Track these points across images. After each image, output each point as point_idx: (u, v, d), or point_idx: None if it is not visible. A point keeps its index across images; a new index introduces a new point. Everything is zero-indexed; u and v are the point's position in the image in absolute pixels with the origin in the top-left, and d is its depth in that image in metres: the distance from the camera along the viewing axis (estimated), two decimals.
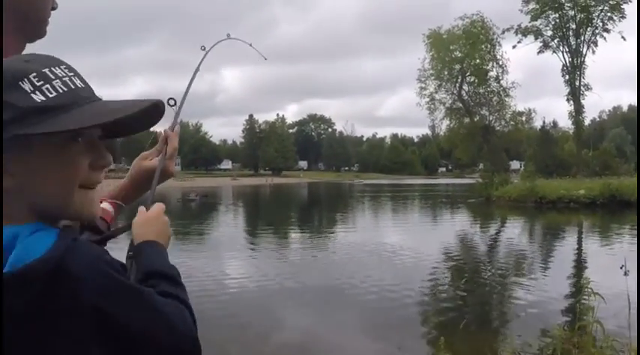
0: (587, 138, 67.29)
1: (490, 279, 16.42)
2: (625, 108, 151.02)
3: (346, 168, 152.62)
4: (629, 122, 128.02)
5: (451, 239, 23.66)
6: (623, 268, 6.14)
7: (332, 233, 26.81)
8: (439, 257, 19.24)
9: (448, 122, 52.17)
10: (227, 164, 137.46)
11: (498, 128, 50.48)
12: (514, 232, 26.89)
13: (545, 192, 34.21)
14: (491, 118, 50.27)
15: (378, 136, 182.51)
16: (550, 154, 44.58)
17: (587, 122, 62.97)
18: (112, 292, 0.95)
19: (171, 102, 1.70)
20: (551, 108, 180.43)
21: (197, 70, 2.07)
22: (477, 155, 53.73)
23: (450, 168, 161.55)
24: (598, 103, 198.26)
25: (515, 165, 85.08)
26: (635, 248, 17.12)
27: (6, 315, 0.88)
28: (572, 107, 47.38)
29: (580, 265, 18.17)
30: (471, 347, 9.69)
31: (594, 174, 40.95)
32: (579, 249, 21.53)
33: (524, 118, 50.89)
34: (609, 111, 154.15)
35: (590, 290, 6.22)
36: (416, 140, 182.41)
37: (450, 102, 51.38)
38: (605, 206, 31.65)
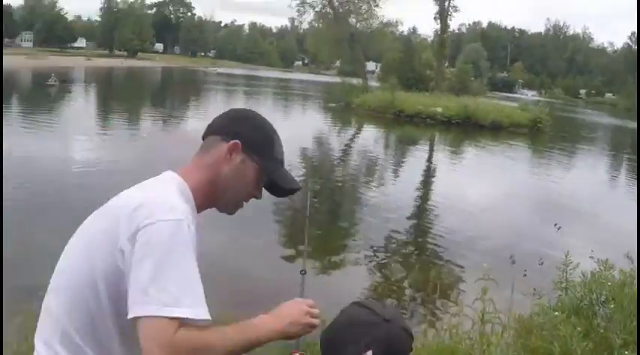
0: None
1: (342, 180, 17.76)
2: (484, 25, 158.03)
3: (202, 54, 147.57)
4: (486, 39, 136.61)
5: (308, 141, 23.84)
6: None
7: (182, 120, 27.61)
8: (295, 155, 19.33)
9: (315, 24, 51.99)
10: (81, 42, 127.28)
11: (363, 33, 50.26)
12: (370, 140, 27.92)
13: (404, 106, 34.35)
14: (358, 26, 49.99)
15: (236, 23, 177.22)
16: (410, 67, 44.73)
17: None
18: None
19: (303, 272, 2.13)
20: (412, 12, 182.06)
21: None
22: (337, 55, 53.87)
23: (306, 62, 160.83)
24: (457, 16, 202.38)
25: (371, 66, 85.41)
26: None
27: None
28: (439, 26, 47.92)
29: (428, 175, 19.94)
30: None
31: (451, 91, 41.74)
32: (430, 161, 23.03)
33: (390, 30, 51.22)
34: (469, 25, 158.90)
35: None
36: (275, 31, 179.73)
37: (320, 7, 50.58)
38: (459, 125, 32.48)
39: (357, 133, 30.53)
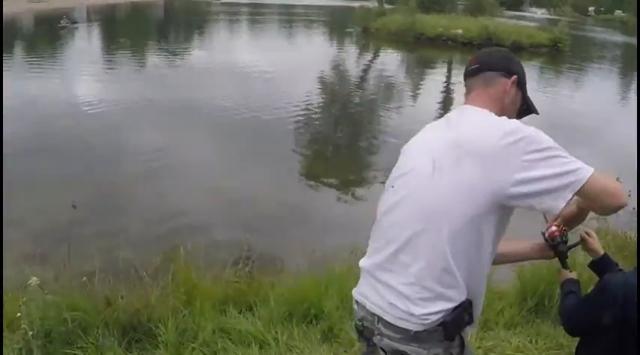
0: None
1: (362, 106, 17.89)
2: None
3: None
4: None
5: (326, 67, 24.06)
6: None
7: (188, 54, 26.81)
8: (312, 82, 19.64)
9: None
10: None
11: None
12: (393, 64, 27.60)
13: (425, 29, 34.10)
14: None
15: None
16: None
17: None
18: None
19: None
20: None
21: None
22: None
23: None
24: None
25: None
26: None
27: None
28: None
29: (448, 97, 19.81)
30: (338, 173, 10.88)
31: (467, 12, 41.18)
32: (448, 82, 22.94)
33: None
34: None
35: None
36: None
37: None
38: (481, 46, 32.04)
39: (376, 57, 30.40)
